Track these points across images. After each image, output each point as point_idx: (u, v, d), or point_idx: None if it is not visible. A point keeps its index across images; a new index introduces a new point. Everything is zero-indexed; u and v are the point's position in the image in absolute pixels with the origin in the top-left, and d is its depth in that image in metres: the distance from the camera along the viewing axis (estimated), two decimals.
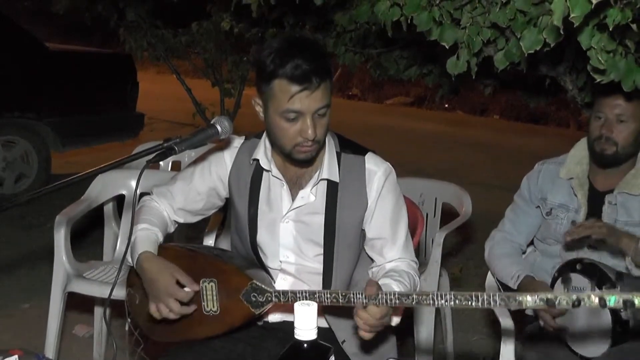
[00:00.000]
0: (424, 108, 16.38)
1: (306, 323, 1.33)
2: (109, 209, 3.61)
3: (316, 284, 2.24)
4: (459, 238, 5.51)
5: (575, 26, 1.90)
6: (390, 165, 2.24)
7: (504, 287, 2.69)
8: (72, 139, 6.77)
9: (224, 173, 2.28)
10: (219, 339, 2.20)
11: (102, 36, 13.26)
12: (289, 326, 2.24)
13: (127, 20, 7.01)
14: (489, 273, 2.89)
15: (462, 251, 5.51)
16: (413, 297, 1.79)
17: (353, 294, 1.89)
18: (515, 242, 2.78)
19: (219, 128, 1.99)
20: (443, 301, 1.76)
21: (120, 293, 2.36)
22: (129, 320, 2.31)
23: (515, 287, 2.58)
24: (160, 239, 2.24)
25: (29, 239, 5.42)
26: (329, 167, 2.17)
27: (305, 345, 1.34)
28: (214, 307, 2.14)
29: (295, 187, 2.20)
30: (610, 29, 1.98)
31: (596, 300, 1.61)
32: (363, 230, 2.24)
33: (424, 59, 4.28)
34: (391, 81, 14.24)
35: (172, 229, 2.36)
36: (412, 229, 2.51)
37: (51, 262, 3.21)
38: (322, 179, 2.17)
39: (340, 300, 1.91)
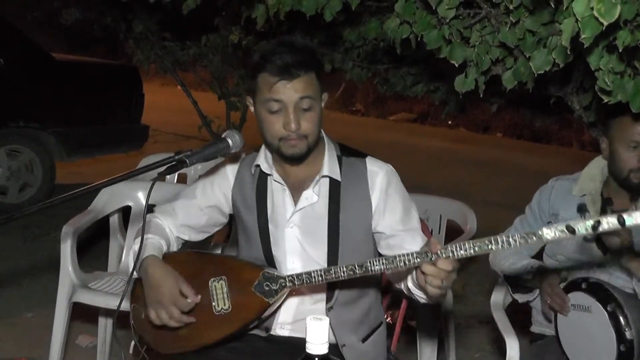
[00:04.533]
0: (427, 124, 16.42)
1: (318, 337, 1.33)
2: (114, 220, 3.62)
3: (322, 295, 2.25)
4: None
5: (585, 47, 1.92)
6: (392, 167, 2.26)
7: (514, 284, 2.70)
8: (77, 149, 6.78)
9: (227, 189, 2.30)
10: (224, 350, 2.20)
11: (107, 48, 13.29)
12: (295, 341, 2.26)
13: (135, 33, 7.05)
14: (494, 291, 2.89)
15: (464, 268, 5.51)
16: (470, 245, 1.74)
17: (370, 262, 1.88)
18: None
19: (230, 142, 2.00)
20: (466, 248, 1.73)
21: (125, 304, 2.36)
22: (136, 338, 2.29)
23: (530, 277, 2.60)
24: (165, 248, 2.24)
25: (32, 249, 5.42)
26: (329, 165, 2.19)
27: (316, 359, 1.34)
28: (225, 305, 2.13)
29: (297, 191, 2.22)
30: (620, 51, 1.99)
31: (614, 219, 1.59)
32: (373, 236, 2.25)
33: (431, 76, 4.31)
34: (395, 97, 14.31)
35: (174, 247, 2.35)
36: None
37: (54, 272, 3.22)
38: (323, 176, 2.19)
39: (357, 272, 1.91)
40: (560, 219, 2.66)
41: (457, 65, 2.66)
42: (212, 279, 2.15)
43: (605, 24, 1.75)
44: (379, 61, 4.59)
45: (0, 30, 6.34)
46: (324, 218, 2.20)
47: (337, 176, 2.19)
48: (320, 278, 1.99)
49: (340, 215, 2.19)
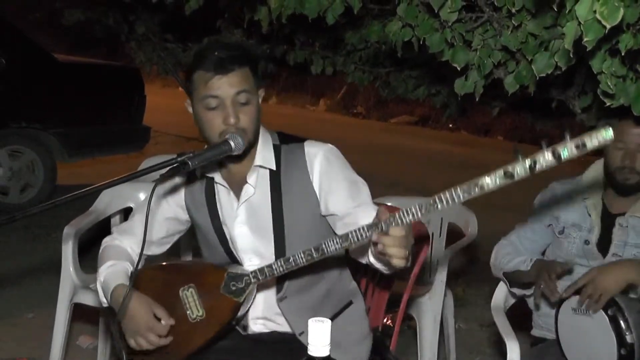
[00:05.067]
0: (429, 127, 16.39)
1: (320, 339, 1.34)
2: (116, 221, 3.60)
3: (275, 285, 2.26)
4: (461, 258, 5.50)
5: (587, 50, 1.92)
6: (332, 145, 2.24)
7: (513, 281, 2.70)
8: (78, 150, 6.78)
9: (180, 199, 2.32)
10: (212, 352, 2.22)
11: (108, 48, 13.30)
12: (275, 336, 2.29)
13: (137, 34, 7.05)
14: (495, 294, 2.89)
15: (464, 271, 5.50)
16: (415, 209, 1.69)
17: (325, 244, 1.89)
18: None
19: (232, 144, 2.00)
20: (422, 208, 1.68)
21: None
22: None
23: (528, 269, 2.59)
24: (130, 269, 2.23)
25: (33, 249, 5.43)
26: (262, 155, 2.18)
27: None
28: (199, 312, 2.15)
29: (239, 187, 2.22)
30: (622, 54, 2.00)
31: (550, 155, 1.59)
32: (327, 220, 2.21)
33: (433, 79, 4.31)
34: (396, 100, 14.28)
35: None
36: (419, 246, 2.51)
37: (55, 272, 3.22)
38: (256, 166, 2.17)
39: (315, 255, 1.91)
40: (562, 222, 2.67)
41: (459, 69, 2.66)
42: (182, 289, 2.17)
43: (608, 27, 1.76)
44: (380, 64, 4.61)
45: (1, 31, 6.35)
46: (268, 210, 2.19)
47: (271, 165, 2.18)
48: (281, 268, 2.00)
49: (284, 205, 2.18)
